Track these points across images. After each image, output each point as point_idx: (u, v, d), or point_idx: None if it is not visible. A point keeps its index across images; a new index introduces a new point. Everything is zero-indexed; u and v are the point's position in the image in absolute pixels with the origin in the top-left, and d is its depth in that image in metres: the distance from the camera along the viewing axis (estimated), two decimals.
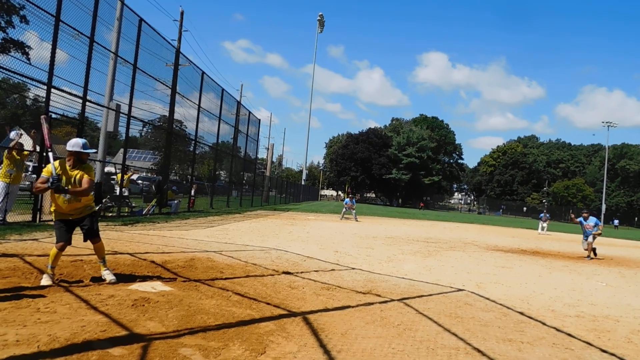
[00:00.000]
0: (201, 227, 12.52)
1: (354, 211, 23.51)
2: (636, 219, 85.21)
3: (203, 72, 18.71)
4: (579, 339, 4.32)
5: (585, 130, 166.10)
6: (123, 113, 13.01)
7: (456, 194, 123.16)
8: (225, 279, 5.66)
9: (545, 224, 26.64)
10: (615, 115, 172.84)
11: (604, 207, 73.74)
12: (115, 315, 3.75)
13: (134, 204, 15.19)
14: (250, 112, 28.04)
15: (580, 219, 13.32)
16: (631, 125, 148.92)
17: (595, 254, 12.96)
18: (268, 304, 4.60)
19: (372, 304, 5.02)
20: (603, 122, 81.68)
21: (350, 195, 26.90)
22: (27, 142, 9.92)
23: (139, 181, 26.32)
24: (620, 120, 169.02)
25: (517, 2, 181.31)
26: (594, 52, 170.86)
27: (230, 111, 23.88)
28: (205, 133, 19.90)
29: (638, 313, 5.81)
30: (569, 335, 4.45)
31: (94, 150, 5.05)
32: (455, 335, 4.11)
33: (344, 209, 23.68)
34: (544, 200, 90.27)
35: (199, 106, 18.33)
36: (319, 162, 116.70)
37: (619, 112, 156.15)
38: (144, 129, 18.70)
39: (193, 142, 18.44)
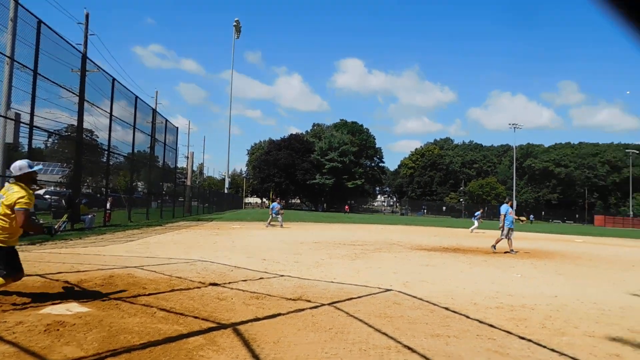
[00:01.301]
0: (119, 241, 11.81)
1: (281, 217, 23.42)
2: (543, 213, 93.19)
3: (114, 79, 17.73)
4: (500, 329, 4.60)
5: (494, 131, 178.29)
6: (24, 123, 11.95)
7: (379, 196, 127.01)
8: (149, 294, 5.37)
9: (476, 222, 26.70)
10: (519, 117, 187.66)
11: (515, 203, 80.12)
12: (25, 343, 3.41)
13: (42, 221, 13.94)
14: (167, 120, 27.00)
15: (507, 207, 13.20)
16: (533, 126, 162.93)
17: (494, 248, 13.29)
18: (196, 317, 4.43)
19: (302, 310, 5.01)
20: (510, 124, 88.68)
21: (278, 199, 26.79)
22: None
23: (47, 196, 24.29)
24: (525, 122, 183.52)
25: (424, 12, 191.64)
26: (498, 57, 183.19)
27: (145, 119, 22.85)
28: (119, 142, 18.86)
29: (550, 300, 6.31)
30: (491, 325, 4.71)
31: None
32: (386, 334, 4.21)
33: (271, 215, 23.43)
34: (461, 199, 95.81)
35: (111, 114, 17.34)
36: (241, 170, 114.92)
37: (523, 114, 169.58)
38: (50, 140, 17.29)
39: (106, 152, 17.38)
